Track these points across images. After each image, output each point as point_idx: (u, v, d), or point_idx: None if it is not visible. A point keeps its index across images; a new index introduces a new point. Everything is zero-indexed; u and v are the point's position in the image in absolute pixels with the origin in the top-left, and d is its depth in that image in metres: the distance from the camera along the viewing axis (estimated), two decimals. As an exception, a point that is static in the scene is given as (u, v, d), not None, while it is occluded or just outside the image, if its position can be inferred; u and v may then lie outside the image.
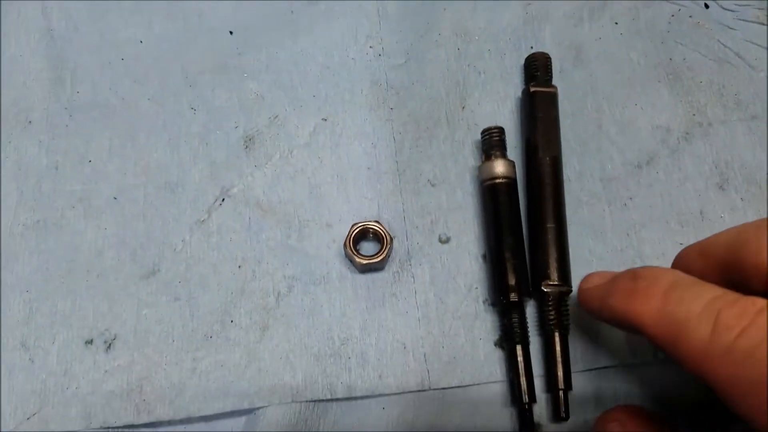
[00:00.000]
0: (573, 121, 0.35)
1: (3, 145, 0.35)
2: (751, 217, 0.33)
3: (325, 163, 0.35)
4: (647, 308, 0.22)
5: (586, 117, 0.35)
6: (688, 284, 0.22)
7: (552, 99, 0.34)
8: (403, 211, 0.34)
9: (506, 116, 0.36)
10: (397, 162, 0.35)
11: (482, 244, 0.33)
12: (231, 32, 0.38)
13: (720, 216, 0.33)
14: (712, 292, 0.21)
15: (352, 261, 0.32)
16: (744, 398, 0.19)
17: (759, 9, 0.38)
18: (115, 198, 0.34)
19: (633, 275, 0.24)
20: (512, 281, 0.30)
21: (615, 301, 0.24)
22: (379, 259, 0.31)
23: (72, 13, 0.38)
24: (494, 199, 0.32)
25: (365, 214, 0.34)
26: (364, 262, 0.31)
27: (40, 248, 0.33)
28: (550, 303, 0.30)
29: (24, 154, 0.35)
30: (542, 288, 0.30)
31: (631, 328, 0.23)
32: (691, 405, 0.29)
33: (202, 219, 0.34)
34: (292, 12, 0.38)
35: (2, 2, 0.38)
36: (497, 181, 0.32)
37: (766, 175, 0.34)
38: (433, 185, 0.34)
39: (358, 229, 0.32)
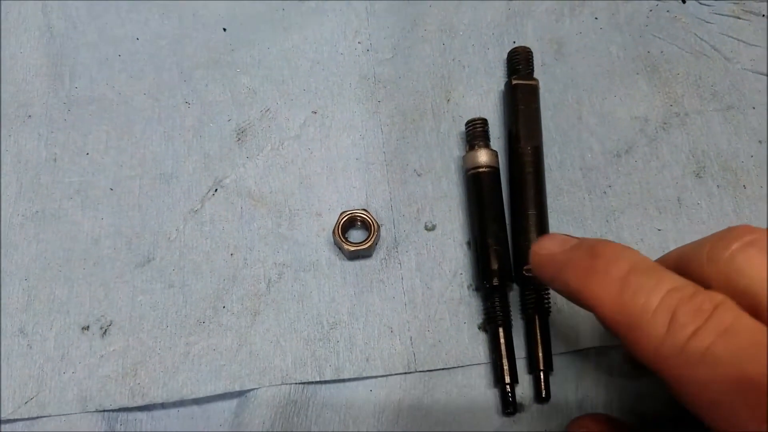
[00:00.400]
0: (554, 112, 0.35)
1: (3, 138, 0.34)
2: (726, 203, 0.33)
3: (314, 154, 0.34)
4: (604, 293, 0.20)
5: (567, 108, 0.35)
6: (647, 270, 0.20)
7: (533, 91, 0.33)
8: (391, 199, 0.33)
9: (490, 108, 0.35)
10: (384, 153, 0.34)
11: (466, 231, 0.32)
12: (224, 29, 0.37)
13: (697, 203, 0.33)
14: (670, 281, 0.19)
15: (340, 248, 0.31)
16: (696, 398, 0.18)
17: (734, 3, 0.37)
18: (112, 189, 0.33)
19: (591, 251, 0.21)
20: (495, 267, 0.29)
21: (570, 276, 0.21)
22: (366, 246, 0.31)
23: (71, 11, 0.37)
24: (478, 187, 0.31)
25: (353, 203, 0.33)
26: (352, 249, 0.30)
27: (38, 238, 0.32)
28: (531, 287, 0.29)
29: (24, 147, 0.34)
30: (524, 273, 0.29)
31: (586, 307, 0.21)
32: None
33: (196, 209, 0.33)
34: (283, 9, 0.38)
35: (3, 1, 0.37)
36: (481, 170, 0.31)
37: (741, 163, 0.33)
38: (419, 175, 0.33)
39: (346, 218, 0.31)
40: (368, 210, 0.32)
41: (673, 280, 0.19)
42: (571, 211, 0.32)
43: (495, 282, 0.29)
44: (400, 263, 0.32)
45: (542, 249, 0.24)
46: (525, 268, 0.29)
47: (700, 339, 0.17)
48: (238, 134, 0.35)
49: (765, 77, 0.35)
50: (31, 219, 0.32)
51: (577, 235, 0.31)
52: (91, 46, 0.37)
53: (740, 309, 0.18)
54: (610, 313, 0.20)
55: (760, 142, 0.34)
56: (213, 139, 0.34)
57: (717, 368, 0.17)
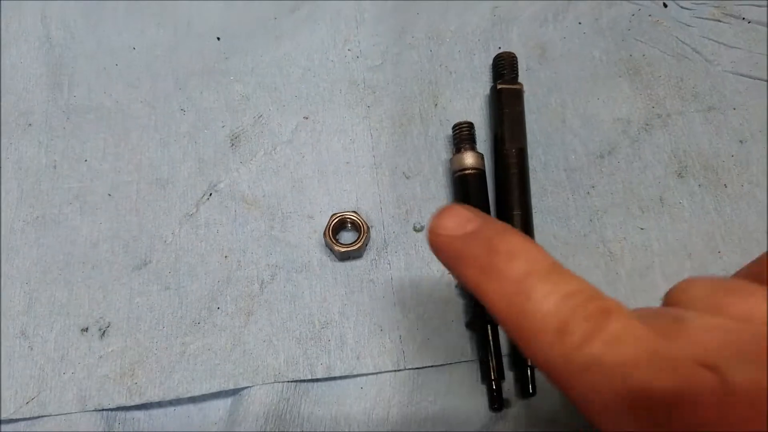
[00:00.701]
0: (539, 115, 0.35)
1: (5, 146, 0.35)
2: (708, 201, 0.33)
3: (306, 158, 0.34)
4: (498, 295, 0.18)
5: (551, 111, 0.35)
6: (544, 272, 0.18)
7: (518, 95, 0.33)
8: (380, 202, 0.33)
9: (476, 112, 0.35)
10: (374, 156, 0.34)
11: (454, 231, 0.32)
12: (218, 38, 0.37)
13: (679, 202, 0.33)
14: (566, 286, 0.17)
15: (331, 249, 0.31)
16: (585, 407, 0.17)
17: (715, 7, 0.37)
18: (110, 194, 0.33)
19: (489, 247, 0.19)
20: (481, 266, 0.30)
21: (467, 270, 0.19)
22: (356, 247, 0.31)
23: (69, 22, 0.38)
24: (465, 189, 0.31)
25: (344, 206, 0.33)
26: (343, 250, 0.31)
27: (39, 242, 0.32)
28: (517, 286, 0.29)
29: (24, 155, 0.34)
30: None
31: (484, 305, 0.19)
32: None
33: (191, 213, 0.33)
34: (275, 18, 0.38)
35: (3, 12, 0.38)
36: (467, 172, 0.31)
37: (722, 163, 0.34)
38: (407, 177, 0.34)
39: (336, 220, 0.32)
40: (358, 212, 0.32)
41: (569, 284, 0.18)
42: (556, 210, 0.33)
43: (481, 281, 0.29)
44: (389, 264, 0.32)
45: (440, 228, 0.20)
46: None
47: (589, 347, 0.16)
48: (232, 140, 0.35)
49: (745, 79, 0.36)
50: (32, 224, 0.33)
51: (561, 235, 0.32)
52: (89, 56, 0.37)
53: (632, 317, 0.17)
54: (504, 316, 0.18)
55: (740, 142, 0.34)
56: (207, 144, 0.35)
57: (603, 377, 0.16)
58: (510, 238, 0.19)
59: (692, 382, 0.15)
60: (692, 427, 0.15)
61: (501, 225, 0.20)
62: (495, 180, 0.33)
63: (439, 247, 0.20)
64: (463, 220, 0.20)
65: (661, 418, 0.15)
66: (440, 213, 0.20)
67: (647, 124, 0.35)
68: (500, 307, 0.18)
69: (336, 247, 0.31)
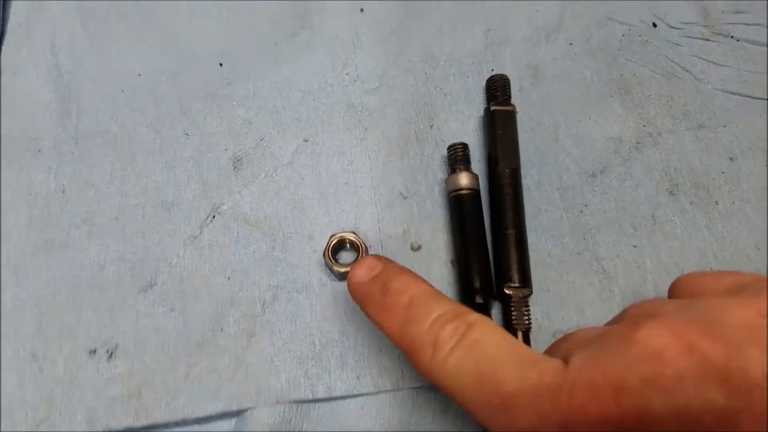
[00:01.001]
0: (532, 135, 0.34)
1: (15, 171, 0.35)
2: (699, 219, 0.32)
3: (306, 180, 0.34)
4: (392, 326, 0.21)
5: (544, 131, 0.34)
6: (423, 301, 0.21)
7: (510, 116, 0.33)
8: (378, 222, 0.33)
9: (470, 133, 0.35)
10: (371, 177, 0.34)
11: (450, 250, 0.32)
12: (221, 64, 0.37)
13: (671, 219, 0.32)
14: (440, 308, 0.20)
15: (331, 269, 0.31)
16: (464, 406, 0.19)
17: (703, 26, 0.37)
18: (117, 217, 0.33)
19: (383, 287, 0.22)
20: (477, 285, 0.29)
21: (369, 309, 0.23)
22: (355, 267, 0.30)
23: (77, 50, 0.38)
24: (460, 208, 0.31)
25: (343, 226, 0.33)
26: (342, 270, 0.30)
27: (48, 266, 0.32)
28: (512, 304, 0.29)
29: (34, 180, 0.34)
30: (505, 290, 0.29)
31: None
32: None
33: (195, 235, 0.33)
34: (275, 44, 0.38)
35: (14, 41, 0.38)
36: (462, 192, 0.31)
37: (712, 180, 0.33)
38: (404, 198, 0.33)
39: (336, 240, 0.31)
40: (357, 232, 0.32)
41: (441, 306, 0.20)
42: (550, 229, 0.32)
43: (479, 300, 0.29)
44: (388, 283, 0.31)
45: (355, 276, 0.24)
46: (506, 285, 0.29)
47: (454, 355, 0.19)
48: (234, 163, 0.35)
49: (735, 96, 0.35)
50: (41, 248, 0.33)
51: (555, 253, 0.32)
52: (96, 83, 0.37)
53: (493, 326, 0.19)
54: (397, 342, 0.21)
55: (731, 159, 0.34)
56: (211, 168, 0.34)
57: (466, 378, 0.18)
58: (400, 278, 0.22)
59: (537, 370, 0.18)
60: (537, 408, 0.17)
61: (396, 267, 0.23)
62: (490, 199, 0.32)
63: (352, 293, 0.24)
64: (370, 269, 0.24)
65: (510, 403, 0.17)
66: (356, 264, 0.24)
67: (638, 143, 0.34)
68: (394, 335, 0.21)
69: (335, 268, 0.30)
